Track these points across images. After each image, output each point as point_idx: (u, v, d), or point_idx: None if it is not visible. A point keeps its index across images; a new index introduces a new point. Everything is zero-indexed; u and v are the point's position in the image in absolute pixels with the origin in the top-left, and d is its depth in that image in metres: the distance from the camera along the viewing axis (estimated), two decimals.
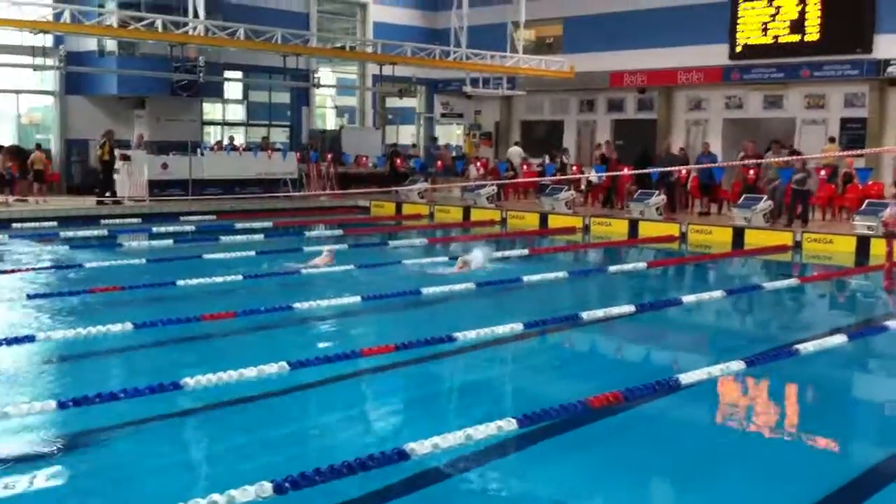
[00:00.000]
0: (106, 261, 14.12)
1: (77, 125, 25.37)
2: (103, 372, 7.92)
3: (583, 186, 23.67)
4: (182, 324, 9.46)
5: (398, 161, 28.41)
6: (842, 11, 24.49)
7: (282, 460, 6.13)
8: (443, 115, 34.58)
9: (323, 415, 7.30)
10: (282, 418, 7.13)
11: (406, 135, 35.88)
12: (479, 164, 27.47)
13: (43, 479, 5.72)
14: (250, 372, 7.40)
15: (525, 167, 27.03)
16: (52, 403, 6.70)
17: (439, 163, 28.15)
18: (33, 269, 13.31)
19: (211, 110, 29.53)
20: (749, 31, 26.30)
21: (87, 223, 18.96)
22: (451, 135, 36.26)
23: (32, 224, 18.70)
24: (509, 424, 6.24)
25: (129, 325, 9.13)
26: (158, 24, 21.07)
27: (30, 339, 8.72)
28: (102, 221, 19.35)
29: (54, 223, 18.92)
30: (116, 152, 22.22)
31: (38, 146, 23.72)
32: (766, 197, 19.19)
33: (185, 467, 6.16)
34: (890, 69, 23.78)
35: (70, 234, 17.44)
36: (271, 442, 6.59)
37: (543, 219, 21.41)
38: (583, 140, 30.75)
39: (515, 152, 27.85)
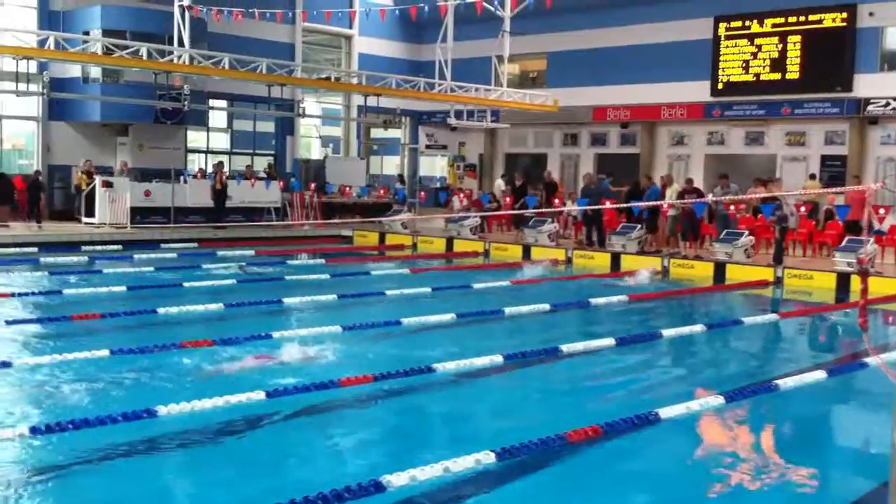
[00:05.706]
0: (86, 288, 14.03)
1: (59, 151, 25.30)
2: (78, 399, 7.82)
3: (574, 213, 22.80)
4: (159, 351, 9.40)
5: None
6: (822, 50, 24.84)
7: (257, 491, 6.06)
8: (427, 147, 34.71)
9: (299, 445, 7.22)
10: (257, 448, 7.05)
11: (390, 165, 35.98)
12: (462, 195, 27.52)
13: None
14: (226, 400, 7.33)
15: (508, 199, 27.03)
16: (24, 429, 6.63)
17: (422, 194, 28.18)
18: (12, 294, 13.17)
19: (195, 138, 29.50)
20: (731, 69, 26.62)
21: (68, 249, 18.83)
22: (436, 166, 36.39)
23: (13, 249, 18.56)
24: (487, 457, 6.21)
25: (105, 352, 9.05)
26: (143, 52, 21.07)
27: (5, 364, 8.63)
28: (83, 248, 19.24)
29: (34, 248, 18.82)
30: (98, 178, 22.11)
31: (38, 172, 23.68)
32: (747, 232, 19.29)
33: (158, 497, 6.08)
34: (870, 108, 24.09)
35: (50, 259, 17.30)
36: (246, 472, 6.51)
37: (526, 251, 21.41)
38: (566, 173, 30.94)
39: (500, 185, 27.91)
